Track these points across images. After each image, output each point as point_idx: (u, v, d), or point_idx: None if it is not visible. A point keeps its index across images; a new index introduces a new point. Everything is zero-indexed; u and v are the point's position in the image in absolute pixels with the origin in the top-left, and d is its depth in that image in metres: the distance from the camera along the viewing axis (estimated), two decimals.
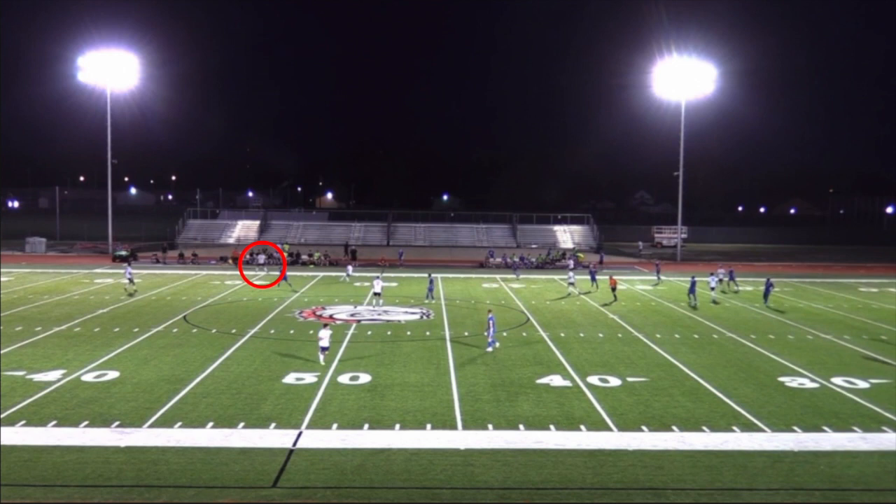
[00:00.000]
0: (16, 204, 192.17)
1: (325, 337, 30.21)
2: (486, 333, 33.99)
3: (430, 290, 50.08)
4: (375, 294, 46.53)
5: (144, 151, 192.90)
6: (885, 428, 22.81)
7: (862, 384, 28.17)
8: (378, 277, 48.31)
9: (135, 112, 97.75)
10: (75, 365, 29.32)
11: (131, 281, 52.78)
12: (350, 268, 64.84)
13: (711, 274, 54.80)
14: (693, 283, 49.89)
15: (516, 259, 77.45)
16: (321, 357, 30.13)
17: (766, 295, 49.58)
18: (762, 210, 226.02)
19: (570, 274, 56.68)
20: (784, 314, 45.56)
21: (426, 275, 58.77)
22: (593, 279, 57.71)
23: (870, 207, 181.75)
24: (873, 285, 62.72)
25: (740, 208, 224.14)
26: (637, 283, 60.73)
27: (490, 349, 32.89)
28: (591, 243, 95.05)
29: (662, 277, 62.57)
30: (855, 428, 22.72)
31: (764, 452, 20.55)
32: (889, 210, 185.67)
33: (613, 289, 51.35)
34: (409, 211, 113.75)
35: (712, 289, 52.32)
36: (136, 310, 43.66)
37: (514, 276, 65.04)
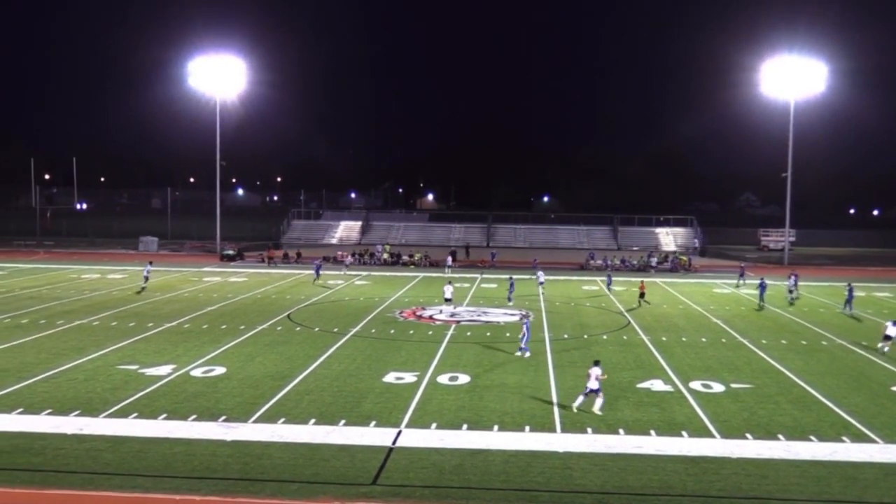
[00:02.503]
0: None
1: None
2: (519, 337, 32.91)
3: (511, 291, 49.15)
4: (446, 300, 45.51)
5: (251, 154, 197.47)
6: None
7: None
8: (449, 283, 47.90)
9: (242, 116, 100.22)
10: (185, 360, 30.29)
11: (146, 279, 53.06)
12: (449, 259, 66.26)
13: (789, 277, 54.79)
14: (763, 286, 50.49)
15: (617, 262, 76.52)
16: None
17: (848, 301, 47.32)
18: (875, 213, 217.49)
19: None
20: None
21: (529, 276, 58.70)
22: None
23: None
24: None
25: (852, 211, 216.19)
26: (742, 288, 59.20)
27: (518, 353, 32.02)
28: (694, 246, 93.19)
29: (746, 281, 60.68)
30: None
31: (875, 464, 19.79)
32: None
33: (642, 294, 48.62)
34: (509, 212, 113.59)
35: (790, 292, 52.77)
36: (243, 308, 44.81)
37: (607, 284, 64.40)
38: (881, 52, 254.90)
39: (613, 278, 57.86)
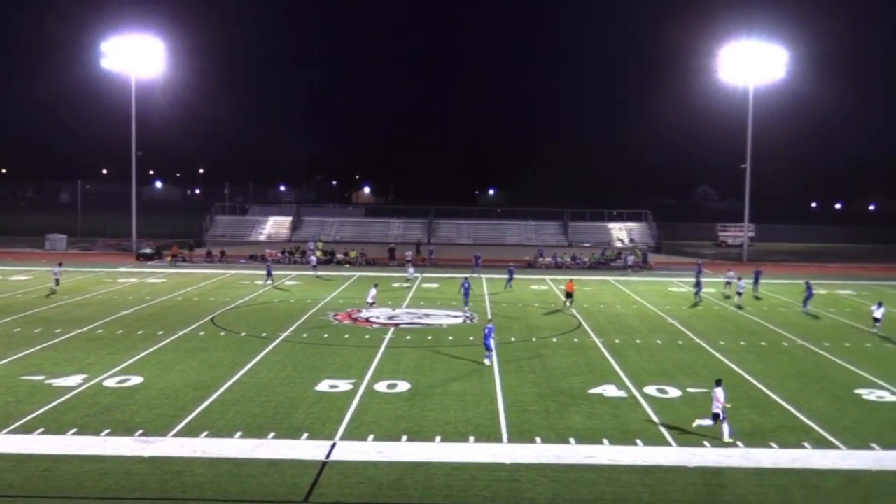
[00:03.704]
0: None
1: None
2: (489, 342, 32.08)
3: (466, 295, 47.66)
4: (369, 304, 45.06)
5: (171, 143, 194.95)
6: None
7: None
8: (375, 285, 47.80)
9: (161, 102, 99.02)
10: (97, 369, 29.75)
11: (57, 282, 51.82)
12: (412, 270, 61.72)
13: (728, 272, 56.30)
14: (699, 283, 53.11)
15: (568, 259, 77.17)
16: None
17: (806, 299, 48.40)
18: (838, 206, 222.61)
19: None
20: (862, 320, 44.80)
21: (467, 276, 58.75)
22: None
23: None
24: None
25: (813, 204, 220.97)
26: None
27: (487, 362, 31.54)
28: (650, 242, 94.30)
29: (704, 279, 61.46)
30: None
31: (838, 471, 20.24)
32: None
33: (569, 294, 48.05)
34: (452, 206, 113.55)
35: (728, 284, 54.36)
36: (162, 311, 44.21)
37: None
38: (842, 37, 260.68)
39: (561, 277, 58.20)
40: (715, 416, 22.81)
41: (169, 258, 73.35)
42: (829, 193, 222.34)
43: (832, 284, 61.18)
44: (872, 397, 27.60)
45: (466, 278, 51.34)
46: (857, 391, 28.39)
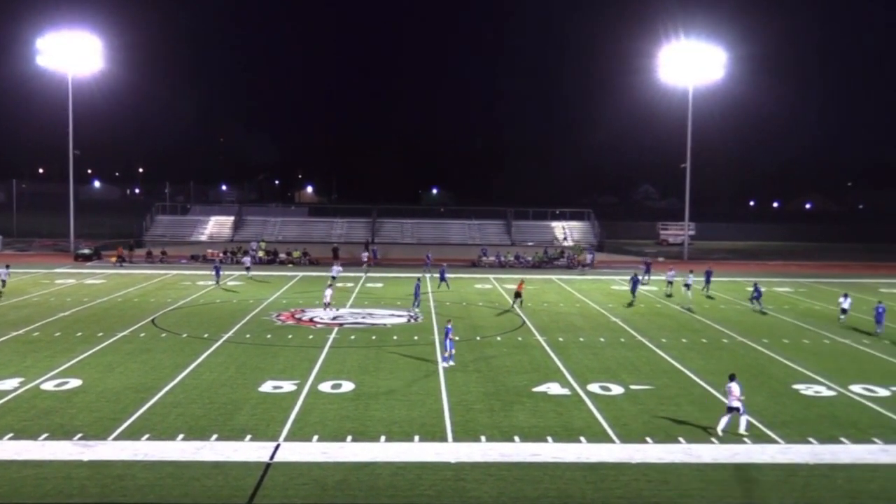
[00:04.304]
0: None
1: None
2: (445, 344, 31.79)
3: (417, 296, 47.37)
4: (326, 304, 44.53)
5: (109, 142, 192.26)
6: None
7: (882, 392, 28.31)
8: (330, 286, 47.57)
9: (99, 99, 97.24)
10: (34, 372, 29.19)
11: (4, 283, 50.71)
12: (337, 268, 60.93)
13: (691, 272, 55.38)
14: (635, 281, 52.20)
15: (511, 258, 77.51)
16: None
17: (754, 299, 48.89)
18: (775, 205, 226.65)
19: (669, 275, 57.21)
20: (799, 317, 45.69)
21: (414, 275, 58.77)
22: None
23: (891, 202, 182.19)
24: (895, 286, 62.93)
25: (752, 203, 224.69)
26: (649, 284, 60.68)
27: (446, 364, 31.24)
28: (592, 240, 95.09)
29: (649, 278, 62.25)
30: (875, 439, 22.82)
31: (777, 466, 20.62)
32: None
33: (517, 294, 47.74)
34: (395, 206, 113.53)
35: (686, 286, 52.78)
36: (101, 313, 43.52)
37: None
38: (779, 38, 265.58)
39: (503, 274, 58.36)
40: (731, 410, 23.15)
41: (114, 259, 72.22)
42: (766, 192, 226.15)
43: (770, 282, 62.21)
44: (810, 392, 28.16)
45: (419, 278, 51.33)
46: (795, 386, 28.94)
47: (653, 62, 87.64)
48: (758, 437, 22.76)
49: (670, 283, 55.91)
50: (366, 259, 70.50)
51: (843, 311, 43.90)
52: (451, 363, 31.23)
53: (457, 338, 32.15)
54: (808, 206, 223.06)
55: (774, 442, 22.47)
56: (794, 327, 42.41)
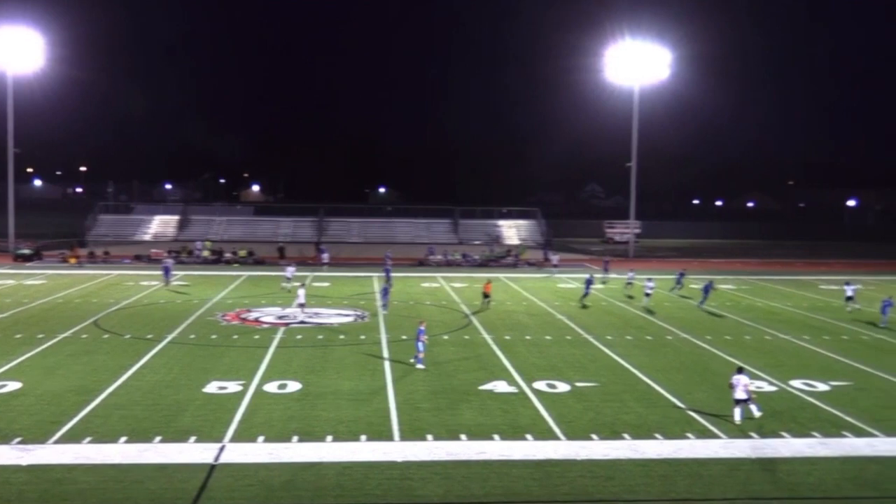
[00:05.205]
0: None
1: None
2: (417, 345, 31.19)
3: (385, 295, 46.18)
4: (300, 305, 43.79)
5: (50, 140, 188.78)
6: (845, 433, 23.39)
7: (822, 387, 28.86)
8: (303, 285, 47.03)
9: (40, 97, 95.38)
10: None
11: None
12: (291, 269, 57.28)
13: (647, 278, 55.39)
14: (589, 281, 51.32)
15: (458, 256, 77.65)
16: None
17: (704, 295, 49.28)
18: (719, 203, 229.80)
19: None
20: (741, 313, 46.39)
21: (365, 274, 58.65)
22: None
23: (830, 201, 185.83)
24: (834, 282, 64.09)
25: (696, 201, 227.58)
26: (608, 283, 61.16)
27: (420, 365, 30.75)
28: (539, 239, 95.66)
29: (611, 276, 62.87)
30: (814, 433, 23.26)
31: (720, 460, 20.93)
32: (850, 203, 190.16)
33: (486, 295, 47.13)
34: (342, 205, 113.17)
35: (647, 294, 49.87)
36: (42, 314, 42.79)
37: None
38: (723, 39, 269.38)
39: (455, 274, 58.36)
40: (738, 402, 24.07)
41: (73, 259, 70.97)
42: (710, 191, 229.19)
43: (713, 279, 63.04)
44: (751, 388, 28.55)
45: (387, 282, 50.28)
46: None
47: (599, 62, 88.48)
48: (701, 433, 23.08)
49: (630, 283, 56.17)
50: (326, 259, 69.96)
51: (849, 298, 46.71)
52: (421, 365, 30.69)
53: (426, 339, 31.86)
54: (750, 204, 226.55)
55: (717, 437, 22.79)
56: (737, 324, 43.05)
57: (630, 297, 52.89)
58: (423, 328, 31.37)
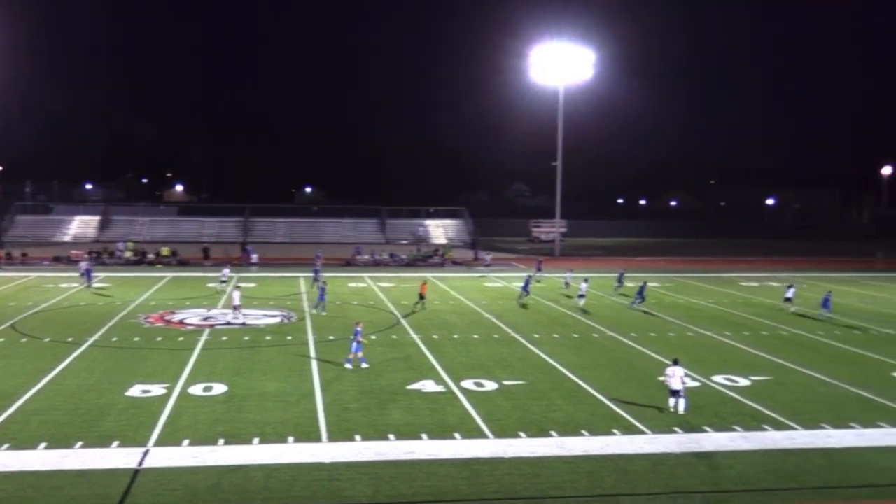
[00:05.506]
0: None
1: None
2: (353, 346, 31.00)
3: (322, 296, 45.47)
4: (235, 307, 42.36)
5: None
6: (765, 426, 23.95)
7: (743, 382, 29.50)
8: (237, 288, 45.21)
9: None
10: None
11: None
12: (226, 271, 56.37)
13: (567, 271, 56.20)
14: (528, 280, 52.59)
15: (386, 256, 77.58)
16: None
17: (638, 294, 49.84)
18: (643, 202, 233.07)
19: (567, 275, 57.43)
20: (665, 311, 47.14)
21: (293, 275, 58.17)
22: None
23: (750, 200, 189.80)
24: (754, 279, 65.67)
25: (621, 201, 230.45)
26: (514, 281, 61.64)
27: (348, 365, 30.66)
28: (466, 238, 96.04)
29: (544, 275, 63.29)
30: (736, 427, 23.77)
31: (645, 455, 21.24)
32: (769, 202, 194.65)
33: (422, 296, 47.09)
34: (268, 205, 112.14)
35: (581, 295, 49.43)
36: None
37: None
38: (645, 40, 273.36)
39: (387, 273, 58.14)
40: (674, 393, 24.94)
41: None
42: (634, 190, 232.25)
43: (639, 277, 63.99)
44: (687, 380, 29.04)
45: (324, 281, 48.96)
46: (661, 378, 29.79)
47: (524, 63, 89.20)
48: (627, 429, 23.40)
49: (567, 283, 56.58)
50: (255, 260, 69.16)
51: (787, 299, 47.90)
52: (349, 366, 30.61)
53: (365, 340, 31.64)
54: (673, 203, 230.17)
55: (642, 433, 23.13)
56: (661, 321, 43.75)
57: (569, 296, 52.50)
58: (359, 329, 31.25)
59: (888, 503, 18.77)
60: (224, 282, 53.57)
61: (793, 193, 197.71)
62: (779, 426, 24.00)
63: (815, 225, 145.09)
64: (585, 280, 50.65)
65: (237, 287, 46.55)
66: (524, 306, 48.62)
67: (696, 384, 28.94)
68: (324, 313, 44.14)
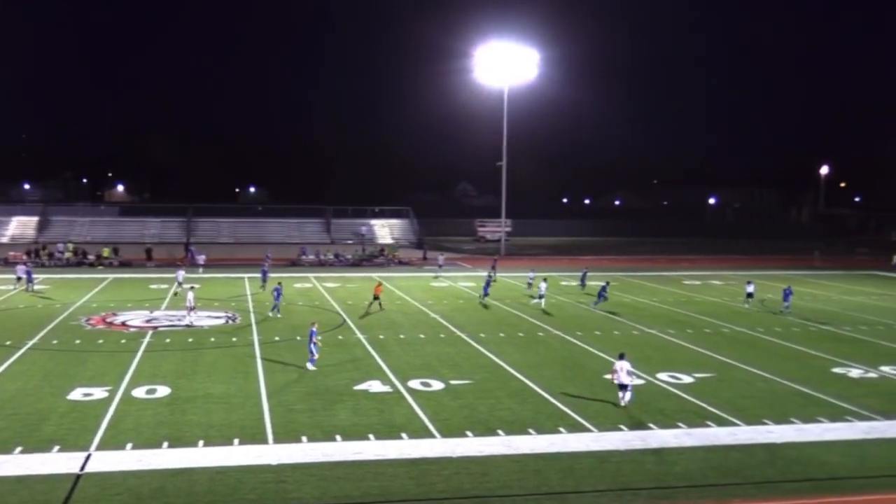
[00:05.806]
0: None
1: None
2: (311, 347, 30.86)
3: (277, 300, 44.43)
4: (189, 308, 41.29)
5: None
6: (709, 422, 24.29)
7: (686, 379, 29.89)
8: (191, 289, 44.10)
9: None
10: None
11: None
12: (181, 273, 54.71)
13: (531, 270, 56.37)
14: (488, 280, 53.72)
15: (331, 256, 77.27)
16: None
17: (599, 295, 50.11)
18: (587, 202, 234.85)
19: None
20: (611, 309, 47.55)
21: (238, 275, 57.64)
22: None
23: (692, 199, 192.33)
24: (696, 278, 66.55)
25: (565, 200, 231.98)
26: (460, 280, 61.79)
27: (311, 366, 30.56)
28: (412, 238, 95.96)
29: (496, 274, 63.18)
30: (680, 423, 24.07)
31: (591, 453, 21.42)
32: (711, 201, 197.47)
33: (376, 297, 46.70)
34: (211, 205, 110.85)
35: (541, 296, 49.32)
36: None
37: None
38: (589, 40, 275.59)
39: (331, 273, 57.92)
40: (622, 387, 25.77)
41: None
42: (578, 189, 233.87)
43: (600, 277, 64.50)
44: (634, 373, 29.33)
45: (279, 283, 47.58)
46: (607, 376, 30.01)
47: (469, 63, 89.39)
48: (573, 427, 23.57)
49: (530, 284, 56.59)
50: (202, 261, 68.38)
51: (749, 295, 49.76)
52: (312, 367, 30.44)
53: (320, 341, 31.46)
54: (617, 202, 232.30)
55: (588, 430, 23.32)
56: (606, 319, 44.14)
57: (532, 297, 51.54)
58: (314, 329, 31.21)
59: (828, 497, 19.13)
60: (181, 283, 52.66)
61: (732, 192, 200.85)
62: (722, 422, 24.36)
63: (755, 224, 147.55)
64: (544, 280, 50.84)
65: (191, 287, 45.93)
66: (486, 307, 48.64)
67: (642, 382, 29.22)
68: (279, 315, 43.61)
